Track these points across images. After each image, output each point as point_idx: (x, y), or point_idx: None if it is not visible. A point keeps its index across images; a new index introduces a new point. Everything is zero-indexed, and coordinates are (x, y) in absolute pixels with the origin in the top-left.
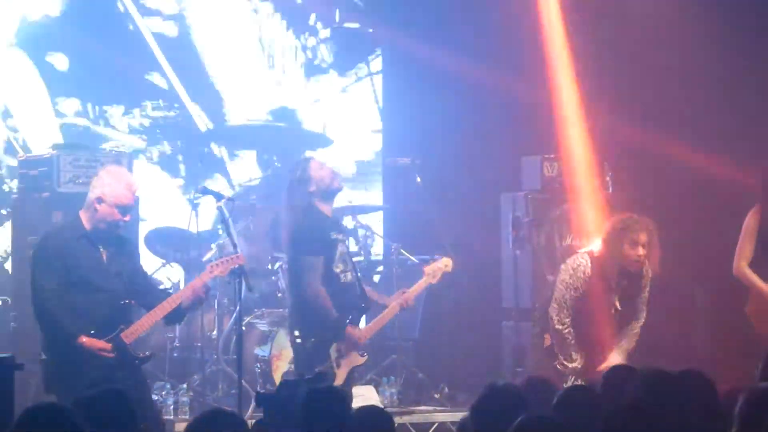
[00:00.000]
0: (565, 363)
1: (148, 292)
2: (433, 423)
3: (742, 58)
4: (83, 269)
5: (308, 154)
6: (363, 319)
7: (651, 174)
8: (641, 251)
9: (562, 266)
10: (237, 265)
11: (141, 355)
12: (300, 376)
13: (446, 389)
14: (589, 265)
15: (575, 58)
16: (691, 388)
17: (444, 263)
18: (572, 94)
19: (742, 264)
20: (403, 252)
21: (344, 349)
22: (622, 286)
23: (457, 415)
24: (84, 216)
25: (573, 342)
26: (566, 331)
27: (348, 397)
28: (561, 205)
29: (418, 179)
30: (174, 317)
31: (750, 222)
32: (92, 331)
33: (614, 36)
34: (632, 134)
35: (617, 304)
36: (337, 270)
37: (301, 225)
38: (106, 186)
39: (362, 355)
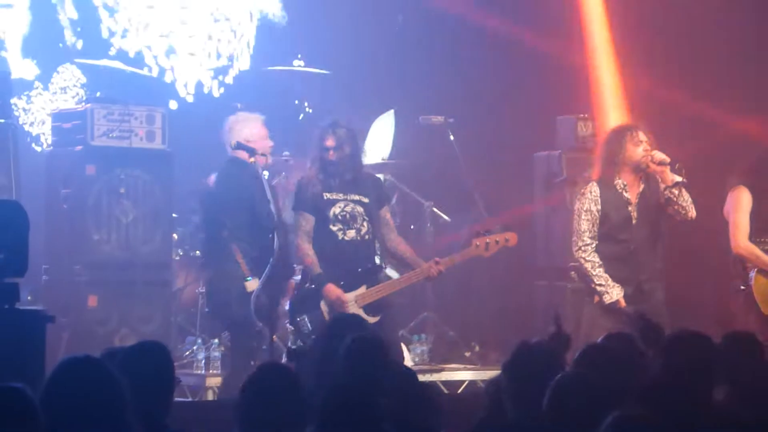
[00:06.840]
0: (604, 289)
1: None
2: (464, 381)
3: None
4: None
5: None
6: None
7: (685, 135)
8: (647, 146)
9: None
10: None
11: None
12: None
13: (477, 348)
14: (597, 187)
15: (611, 17)
16: (738, 351)
17: (506, 238)
18: (608, 53)
19: (744, 240)
20: (436, 210)
21: (334, 306)
22: (635, 193)
23: (488, 374)
24: None
25: (601, 270)
26: (587, 255)
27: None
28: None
29: (451, 137)
30: None
31: (743, 200)
32: None
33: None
34: (667, 95)
35: (634, 214)
36: (334, 228)
37: (299, 181)
38: None
39: (371, 316)
